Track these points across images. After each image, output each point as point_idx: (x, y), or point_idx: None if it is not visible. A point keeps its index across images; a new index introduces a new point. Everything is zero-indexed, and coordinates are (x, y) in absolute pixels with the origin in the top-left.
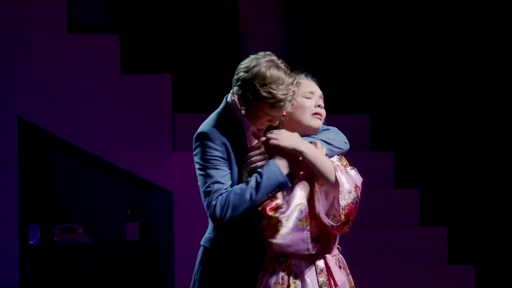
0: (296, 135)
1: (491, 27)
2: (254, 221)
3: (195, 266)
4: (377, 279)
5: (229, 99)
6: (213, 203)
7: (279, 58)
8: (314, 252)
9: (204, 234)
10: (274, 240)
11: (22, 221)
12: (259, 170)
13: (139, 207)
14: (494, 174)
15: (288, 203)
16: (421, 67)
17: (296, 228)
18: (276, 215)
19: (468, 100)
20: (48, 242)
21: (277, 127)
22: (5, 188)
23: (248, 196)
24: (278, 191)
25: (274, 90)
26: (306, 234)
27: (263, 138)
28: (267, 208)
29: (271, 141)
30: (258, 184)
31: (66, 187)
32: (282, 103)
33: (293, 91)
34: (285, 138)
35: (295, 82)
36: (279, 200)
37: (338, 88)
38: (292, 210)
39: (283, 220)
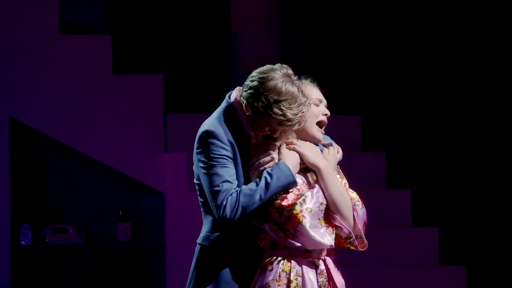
0: (318, 150)
1: (481, 29)
2: (276, 215)
3: (191, 265)
4: (369, 279)
5: (232, 98)
6: (224, 203)
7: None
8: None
9: (195, 234)
10: (299, 229)
11: (14, 221)
12: (268, 170)
13: (130, 208)
14: (485, 175)
15: (307, 197)
16: (412, 68)
17: (316, 223)
18: (297, 206)
19: (459, 101)
20: (39, 242)
21: (274, 138)
22: None
23: (257, 197)
24: (286, 191)
25: (285, 108)
26: (324, 230)
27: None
28: (290, 199)
29: (295, 146)
30: (267, 184)
31: (58, 188)
32: (290, 123)
33: (303, 112)
34: (308, 149)
35: (307, 102)
36: (299, 192)
37: (329, 89)
38: (311, 204)
39: (304, 211)
